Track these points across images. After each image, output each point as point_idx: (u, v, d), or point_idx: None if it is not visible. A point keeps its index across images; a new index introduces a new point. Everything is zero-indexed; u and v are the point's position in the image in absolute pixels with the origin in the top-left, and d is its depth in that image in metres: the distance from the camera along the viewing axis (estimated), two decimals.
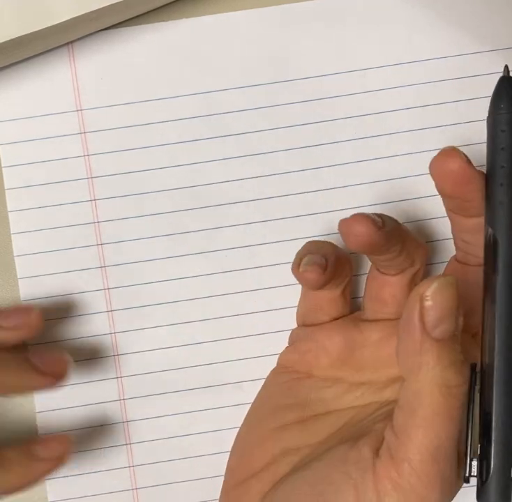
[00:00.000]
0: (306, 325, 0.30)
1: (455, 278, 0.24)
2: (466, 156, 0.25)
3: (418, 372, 0.23)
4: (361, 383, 0.29)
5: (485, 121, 0.26)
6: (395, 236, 0.26)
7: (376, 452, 0.24)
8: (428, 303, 0.23)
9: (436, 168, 0.26)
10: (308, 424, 0.28)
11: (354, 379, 0.29)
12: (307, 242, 0.30)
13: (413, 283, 0.29)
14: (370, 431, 0.26)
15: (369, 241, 0.25)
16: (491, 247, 0.25)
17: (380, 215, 0.26)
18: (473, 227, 0.27)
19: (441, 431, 0.23)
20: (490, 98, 0.26)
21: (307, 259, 0.28)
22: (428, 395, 0.23)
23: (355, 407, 0.28)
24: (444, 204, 0.28)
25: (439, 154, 0.25)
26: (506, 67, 0.26)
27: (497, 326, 0.24)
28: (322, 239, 0.31)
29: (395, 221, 0.27)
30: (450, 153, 0.25)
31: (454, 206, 0.27)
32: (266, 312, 0.33)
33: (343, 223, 0.25)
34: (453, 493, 0.25)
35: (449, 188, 0.26)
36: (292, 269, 0.29)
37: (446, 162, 0.25)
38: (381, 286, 0.29)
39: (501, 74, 0.27)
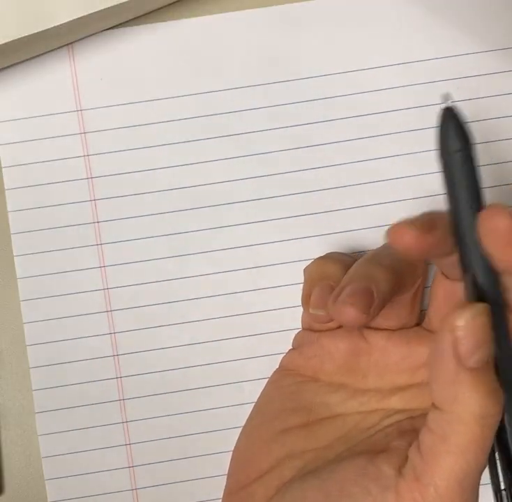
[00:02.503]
0: (312, 329, 0.30)
1: (486, 306, 0.23)
2: (418, 223, 0.23)
3: (453, 402, 0.23)
4: (367, 389, 0.28)
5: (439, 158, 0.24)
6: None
7: (398, 471, 0.24)
8: (461, 333, 0.23)
9: (394, 243, 0.24)
10: (313, 428, 0.28)
11: (359, 385, 0.29)
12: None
13: None
14: (387, 448, 0.26)
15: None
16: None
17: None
18: (452, 261, 0.25)
19: (471, 461, 0.23)
20: (438, 129, 0.24)
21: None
22: (464, 424, 0.23)
23: (361, 412, 0.28)
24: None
25: (390, 231, 0.24)
26: (446, 95, 0.24)
27: None
28: (337, 251, 0.31)
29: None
30: (402, 229, 0.23)
31: (427, 259, 0.25)
32: (266, 312, 0.33)
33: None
34: None
35: (417, 256, 0.24)
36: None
37: (401, 238, 0.23)
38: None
39: (499, 75, 0.26)
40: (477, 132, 0.33)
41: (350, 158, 0.33)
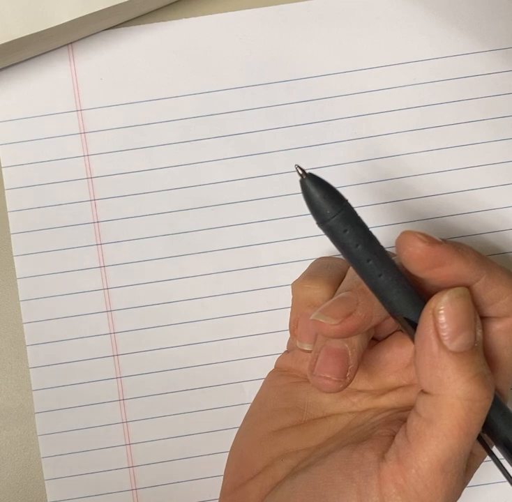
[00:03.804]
0: None
1: (466, 289, 0.24)
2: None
3: (439, 386, 0.23)
4: (358, 390, 0.29)
5: (324, 225, 0.24)
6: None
7: (381, 456, 0.24)
8: (442, 317, 0.23)
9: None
10: (306, 427, 0.28)
11: (351, 386, 0.29)
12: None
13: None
14: (372, 436, 0.26)
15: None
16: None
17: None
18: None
19: (455, 445, 0.23)
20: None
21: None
22: (449, 407, 0.23)
23: (352, 412, 0.28)
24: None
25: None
26: (297, 167, 0.23)
27: None
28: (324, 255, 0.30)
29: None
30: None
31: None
32: (266, 312, 0.33)
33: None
34: None
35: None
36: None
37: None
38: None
39: (499, 75, 0.26)
40: (477, 132, 0.33)
41: (350, 158, 0.33)
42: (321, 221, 0.24)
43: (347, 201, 0.24)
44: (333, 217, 0.23)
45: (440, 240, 0.24)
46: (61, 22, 0.29)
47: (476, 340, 0.23)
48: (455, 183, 0.33)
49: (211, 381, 0.33)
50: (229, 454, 0.30)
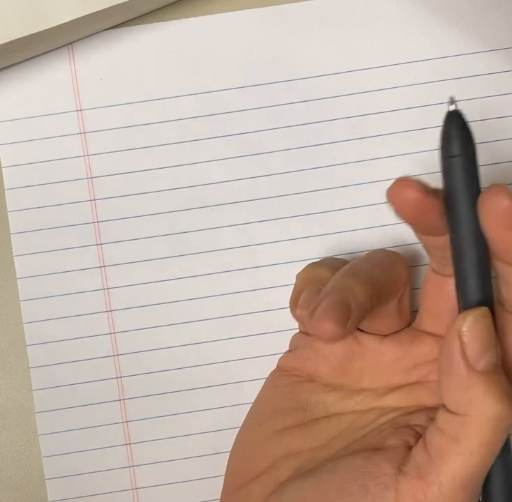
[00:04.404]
0: (307, 333, 0.30)
1: (486, 308, 0.24)
2: (423, 184, 0.23)
3: (468, 407, 0.23)
4: (362, 389, 0.29)
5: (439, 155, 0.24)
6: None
7: (398, 469, 0.24)
8: (467, 338, 0.23)
9: (392, 197, 0.23)
10: (309, 427, 0.28)
11: (354, 386, 0.29)
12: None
13: None
14: (384, 446, 0.26)
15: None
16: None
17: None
18: (443, 243, 0.25)
19: (480, 463, 0.23)
20: (442, 129, 0.24)
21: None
22: (478, 427, 0.23)
23: (356, 412, 0.28)
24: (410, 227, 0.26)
25: (394, 184, 0.23)
26: (452, 98, 0.24)
27: None
28: (324, 255, 0.31)
29: None
30: (406, 183, 0.23)
31: (418, 229, 0.25)
32: (266, 312, 0.33)
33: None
34: None
35: (409, 218, 0.24)
36: (306, 318, 0.26)
37: (403, 192, 0.23)
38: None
39: (499, 75, 0.26)
40: (477, 132, 0.33)
41: (350, 158, 0.33)
42: (446, 155, 0.23)
43: (476, 150, 0.23)
44: (459, 156, 0.23)
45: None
46: (61, 22, 0.29)
47: (499, 359, 0.23)
48: None
49: (210, 380, 0.33)
50: (231, 454, 0.30)
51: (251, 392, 0.31)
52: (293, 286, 0.30)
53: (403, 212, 0.23)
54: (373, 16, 0.33)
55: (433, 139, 0.33)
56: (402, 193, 0.23)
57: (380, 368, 0.28)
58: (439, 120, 0.33)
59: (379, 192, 0.33)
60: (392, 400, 0.28)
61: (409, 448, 0.25)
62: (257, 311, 0.33)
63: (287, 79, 0.33)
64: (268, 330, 0.33)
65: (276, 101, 0.33)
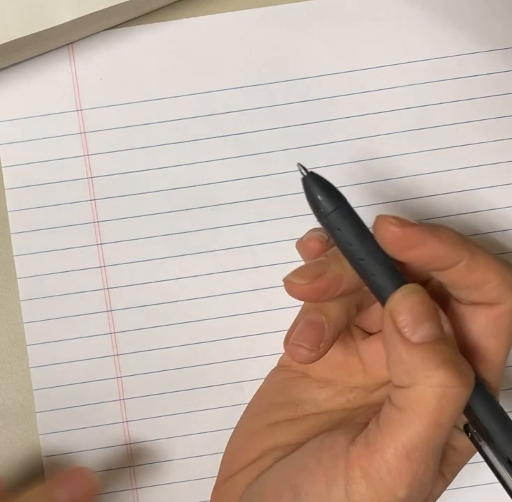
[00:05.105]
0: None
1: (418, 285, 0.24)
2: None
3: (407, 377, 0.23)
4: (354, 386, 0.29)
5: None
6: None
7: (351, 440, 0.24)
8: (397, 312, 0.23)
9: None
10: (299, 422, 0.28)
11: (347, 383, 0.29)
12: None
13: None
14: (349, 423, 0.26)
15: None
16: None
17: (316, 264, 0.26)
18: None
19: (423, 432, 0.23)
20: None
21: (301, 326, 0.27)
22: (419, 395, 0.23)
23: (346, 409, 0.29)
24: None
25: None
26: (300, 165, 0.25)
27: None
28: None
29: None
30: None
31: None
32: (266, 312, 0.33)
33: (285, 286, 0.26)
34: (424, 494, 0.24)
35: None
36: (284, 342, 0.27)
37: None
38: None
39: (499, 75, 0.26)
40: (478, 132, 0.33)
41: (350, 158, 0.33)
42: (319, 218, 0.24)
43: (344, 200, 0.24)
44: (328, 214, 0.24)
45: (413, 222, 0.24)
46: (61, 22, 0.29)
47: (442, 332, 0.24)
48: (455, 183, 0.33)
49: (210, 380, 0.33)
50: (225, 448, 0.30)
51: (251, 392, 0.31)
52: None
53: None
54: (373, 16, 0.33)
55: (433, 138, 0.33)
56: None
57: (368, 363, 0.29)
58: (439, 120, 0.33)
59: (379, 192, 0.33)
60: (379, 395, 0.29)
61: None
62: (257, 311, 0.33)
63: (286, 79, 0.33)
64: (268, 330, 0.33)
65: (276, 101, 0.33)
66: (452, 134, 0.33)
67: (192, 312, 0.33)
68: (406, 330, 0.23)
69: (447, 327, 0.24)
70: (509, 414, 0.25)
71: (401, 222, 0.24)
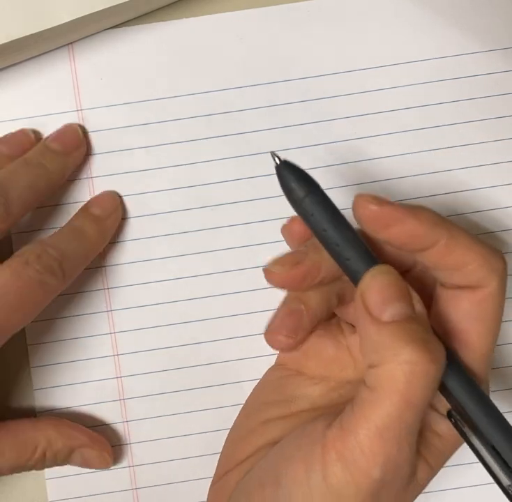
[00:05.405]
0: None
1: (389, 266, 0.24)
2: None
3: (376, 355, 0.23)
4: (346, 381, 0.29)
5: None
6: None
7: (328, 425, 0.24)
8: (366, 292, 0.24)
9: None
10: (293, 419, 0.28)
11: (339, 378, 0.29)
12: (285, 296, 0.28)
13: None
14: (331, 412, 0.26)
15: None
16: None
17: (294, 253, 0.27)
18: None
19: (394, 412, 0.23)
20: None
21: (280, 313, 0.27)
22: (388, 374, 0.23)
23: (338, 404, 0.28)
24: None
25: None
26: (273, 153, 0.25)
27: None
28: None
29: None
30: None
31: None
32: (266, 312, 0.33)
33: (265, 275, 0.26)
34: (401, 476, 0.24)
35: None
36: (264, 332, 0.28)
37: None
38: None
39: (499, 75, 0.26)
40: (478, 132, 0.33)
41: (350, 158, 0.33)
42: (293, 205, 0.25)
43: (317, 186, 0.25)
44: (302, 200, 0.24)
45: (392, 201, 0.25)
46: (61, 22, 0.29)
47: (413, 311, 0.24)
48: (455, 183, 0.33)
49: (210, 380, 0.33)
50: (222, 447, 0.30)
51: (250, 391, 0.31)
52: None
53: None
54: (373, 16, 0.33)
55: (433, 138, 0.33)
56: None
57: (358, 356, 0.29)
58: (439, 120, 0.33)
59: (379, 192, 0.33)
60: None
61: None
62: (257, 311, 0.33)
63: (286, 79, 0.33)
64: None
65: (276, 101, 0.33)
66: (452, 134, 0.33)
67: (192, 312, 0.33)
68: (375, 309, 0.23)
69: (418, 307, 0.24)
70: (509, 414, 0.25)
71: (379, 200, 0.24)
